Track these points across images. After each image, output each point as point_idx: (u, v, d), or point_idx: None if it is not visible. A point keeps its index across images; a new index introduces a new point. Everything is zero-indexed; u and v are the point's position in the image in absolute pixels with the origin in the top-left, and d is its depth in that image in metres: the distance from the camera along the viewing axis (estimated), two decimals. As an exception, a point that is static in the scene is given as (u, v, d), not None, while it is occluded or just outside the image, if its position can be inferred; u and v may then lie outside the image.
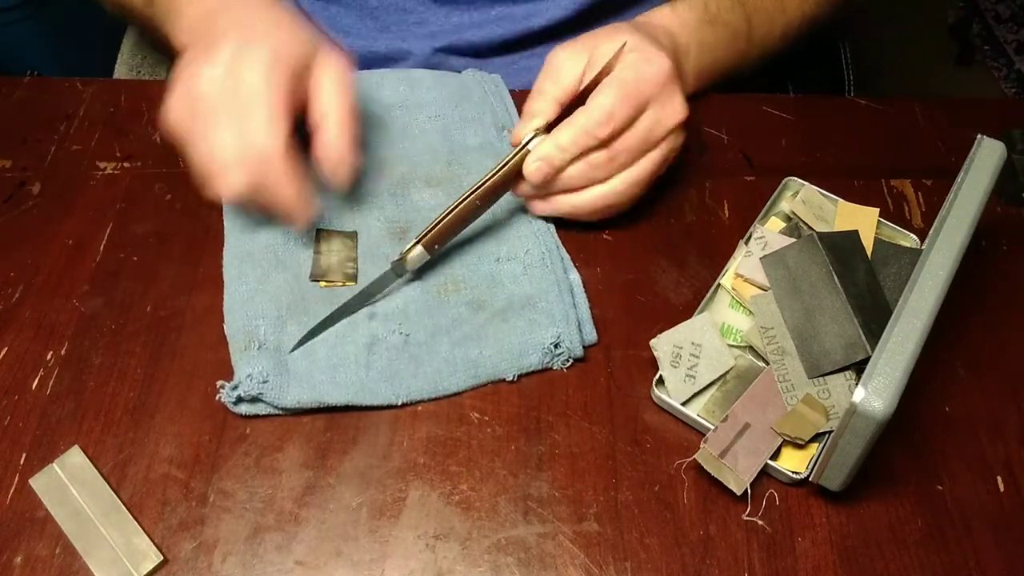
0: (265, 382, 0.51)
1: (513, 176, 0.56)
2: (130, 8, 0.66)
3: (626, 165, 0.56)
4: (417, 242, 0.55)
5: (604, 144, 0.55)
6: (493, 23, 0.73)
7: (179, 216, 0.61)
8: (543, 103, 0.57)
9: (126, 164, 0.64)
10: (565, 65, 0.58)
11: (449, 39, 0.73)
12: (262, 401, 0.51)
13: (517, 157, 0.56)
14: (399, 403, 0.53)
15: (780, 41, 0.71)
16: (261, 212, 0.53)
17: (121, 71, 0.85)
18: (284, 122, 0.50)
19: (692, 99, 0.60)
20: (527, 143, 0.56)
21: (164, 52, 0.71)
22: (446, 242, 0.56)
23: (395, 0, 0.72)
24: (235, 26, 0.52)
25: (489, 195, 0.56)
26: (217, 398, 0.51)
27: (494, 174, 0.56)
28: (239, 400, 0.51)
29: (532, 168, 0.55)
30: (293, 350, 0.53)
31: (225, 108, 0.50)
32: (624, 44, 0.55)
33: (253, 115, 0.49)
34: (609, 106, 0.54)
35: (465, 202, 0.55)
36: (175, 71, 0.53)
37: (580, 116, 0.54)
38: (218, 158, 0.50)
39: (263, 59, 0.50)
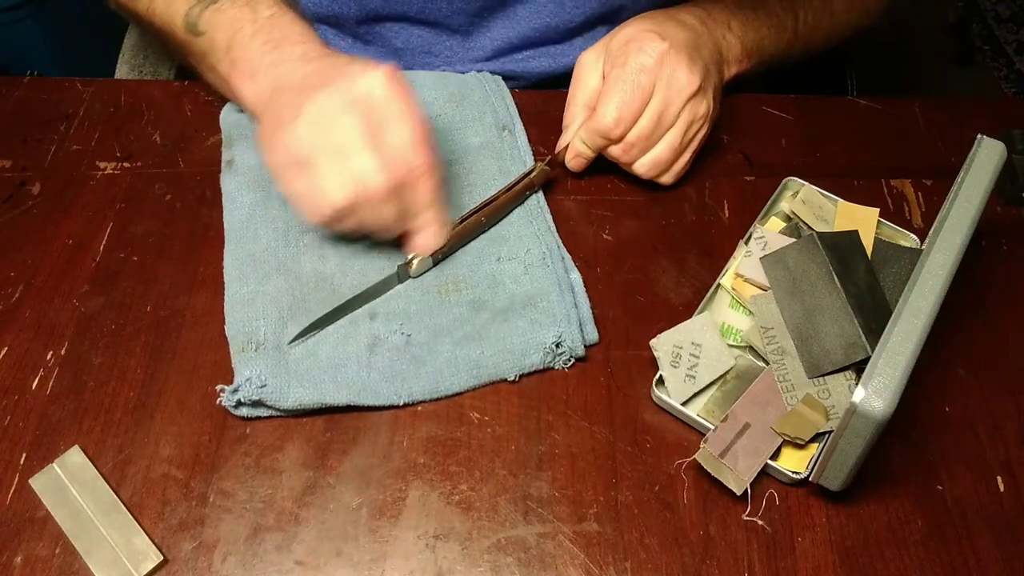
0: (264, 386, 0.51)
1: (517, 197, 0.61)
2: (159, 29, 0.64)
3: (644, 151, 0.61)
4: None
5: (620, 138, 0.60)
6: (520, 63, 0.73)
7: (179, 216, 0.61)
8: (574, 109, 0.63)
9: (126, 164, 0.64)
10: (588, 69, 0.62)
11: None
12: (263, 405, 0.51)
13: (524, 181, 0.61)
14: (401, 403, 0.53)
15: (824, 41, 0.73)
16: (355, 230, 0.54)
17: (123, 70, 0.85)
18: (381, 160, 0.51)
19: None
20: (532, 169, 0.62)
21: (178, 61, 0.70)
22: (451, 253, 0.59)
23: (420, 42, 0.72)
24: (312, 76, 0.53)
25: (494, 214, 0.60)
26: (218, 402, 0.51)
27: (500, 195, 0.60)
28: (239, 404, 0.51)
29: (571, 164, 0.64)
30: (292, 342, 0.53)
31: (326, 155, 0.50)
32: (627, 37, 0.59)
33: (356, 156, 0.50)
34: (614, 110, 0.58)
35: (471, 218, 0.58)
36: (264, 120, 0.54)
37: (592, 120, 0.60)
38: (319, 186, 0.51)
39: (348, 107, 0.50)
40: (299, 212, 0.54)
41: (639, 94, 0.58)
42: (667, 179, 0.63)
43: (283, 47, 0.56)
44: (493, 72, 0.71)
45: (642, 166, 0.61)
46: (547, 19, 0.69)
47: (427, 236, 0.56)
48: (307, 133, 0.50)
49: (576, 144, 0.62)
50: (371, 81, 0.51)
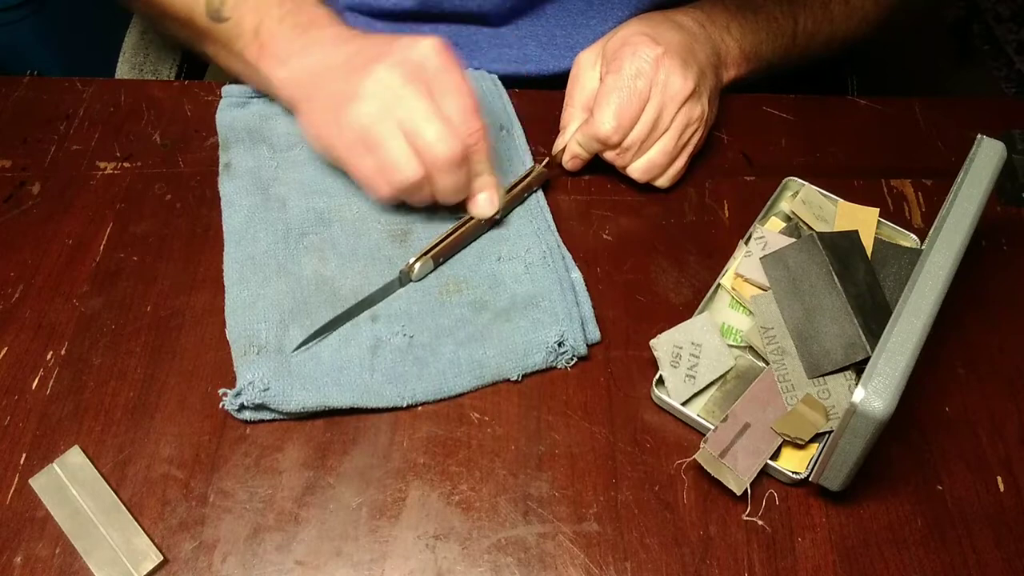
0: (266, 389, 0.51)
1: (516, 198, 0.61)
2: (175, 15, 0.63)
3: (639, 155, 0.61)
4: (424, 255, 0.57)
5: (618, 144, 0.60)
6: (539, 65, 0.73)
7: (179, 216, 0.61)
8: (571, 111, 0.63)
9: (126, 164, 0.64)
10: (585, 70, 0.62)
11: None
12: (266, 408, 0.51)
13: (524, 183, 0.61)
14: (404, 405, 0.53)
15: (824, 47, 0.73)
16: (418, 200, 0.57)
17: (123, 69, 0.85)
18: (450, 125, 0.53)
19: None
20: (530, 170, 0.62)
21: (182, 48, 0.71)
22: (451, 256, 0.59)
23: (448, 32, 0.71)
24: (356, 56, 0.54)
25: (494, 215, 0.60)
26: (220, 405, 0.51)
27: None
28: (242, 408, 0.51)
29: (568, 165, 0.64)
30: (296, 350, 0.53)
31: (393, 129, 0.52)
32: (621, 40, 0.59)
33: (424, 127, 0.52)
34: (612, 117, 0.58)
35: (472, 221, 0.59)
36: (311, 105, 0.56)
37: (589, 125, 0.59)
38: (392, 161, 0.53)
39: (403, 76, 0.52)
40: (368, 190, 0.56)
41: (636, 100, 0.58)
42: (663, 182, 0.63)
43: (311, 30, 0.57)
44: (506, 75, 0.71)
45: (636, 170, 0.61)
46: (571, 27, 0.69)
47: (486, 200, 0.57)
48: (371, 108, 0.52)
49: (572, 146, 0.62)
50: (425, 50, 0.53)
